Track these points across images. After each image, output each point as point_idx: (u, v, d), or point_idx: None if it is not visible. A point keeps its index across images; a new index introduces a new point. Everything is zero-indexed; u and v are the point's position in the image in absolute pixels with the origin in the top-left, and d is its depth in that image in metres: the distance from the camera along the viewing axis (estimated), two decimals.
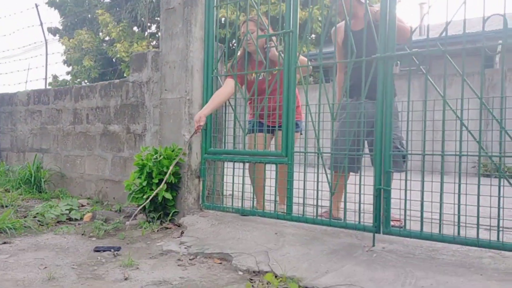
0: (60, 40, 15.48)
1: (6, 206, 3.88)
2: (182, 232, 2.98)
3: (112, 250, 2.69)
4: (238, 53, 3.32)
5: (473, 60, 5.17)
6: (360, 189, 2.52)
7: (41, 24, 9.05)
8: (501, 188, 2.09)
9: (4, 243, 2.84)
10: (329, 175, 2.67)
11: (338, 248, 2.41)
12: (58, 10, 16.64)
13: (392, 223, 2.48)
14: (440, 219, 2.25)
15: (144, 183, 3.19)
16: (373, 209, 2.47)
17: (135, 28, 14.85)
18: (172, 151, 3.24)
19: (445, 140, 2.25)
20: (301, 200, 2.77)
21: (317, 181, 2.67)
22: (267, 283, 2.07)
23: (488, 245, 2.12)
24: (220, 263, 2.46)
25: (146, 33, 14.82)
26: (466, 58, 2.20)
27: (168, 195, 3.15)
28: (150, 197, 3.08)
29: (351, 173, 2.83)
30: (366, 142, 2.90)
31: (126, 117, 4.12)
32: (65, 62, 16.16)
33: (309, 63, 3.04)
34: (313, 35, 12.71)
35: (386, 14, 2.44)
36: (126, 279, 2.18)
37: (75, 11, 16.06)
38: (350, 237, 2.56)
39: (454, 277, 1.95)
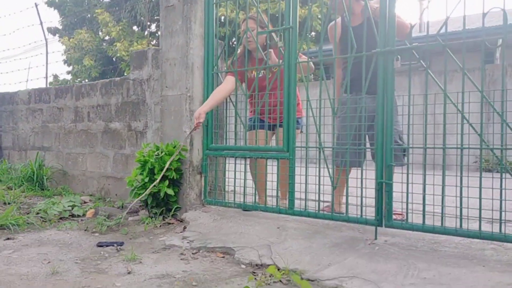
0: (60, 40, 15.50)
1: (9, 203, 3.89)
2: (185, 227, 2.99)
3: (115, 245, 2.70)
4: (238, 51, 3.33)
5: (474, 56, 5.18)
6: (362, 183, 2.52)
7: (41, 23, 9.06)
8: (503, 180, 2.10)
9: (8, 239, 2.85)
10: (330, 170, 2.68)
11: (341, 242, 2.42)
12: (58, 10, 16.67)
13: (394, 217, 2.49)
14: (442, 212, 2.26)
15: (146, 179, 3.20)
16: (375, 202, 2.48)
17: (134, 28, 14.87)
18: (174, 147, 3.25)
19: (446, 133, 2.26)
20: (302, 195, 2.78)
21: (319, 176, 2.68)
22: (269, 276, 2.08)
23: (490, 237, 2.13)
24: (223, 257, 2.47)
25: (146, 32, 14.84)
26: (466, 54, 2.20)
27: (170, 191, 3.16)
28: (148, 190, 3.11)
29: (352, 168, 2.84)
30: (367, 136, 2.92)
31: (127, 115, 4.13)
32: (65, 61, 16.18)
33: (309, 61, 3.04)
34: (313, 33, 12.71)
35: (386, 8, 2.44)
36: (129, 273, 2.19)
37: (74, 10, 16.07)
38: (352, 231, 2.57)
39: (456, 269, 1.96)
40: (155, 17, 14.47)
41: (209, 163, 3.33)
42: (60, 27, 16.67)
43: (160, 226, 3.14)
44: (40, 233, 3.04)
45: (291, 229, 2.67)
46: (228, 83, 3.17)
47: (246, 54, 3.14)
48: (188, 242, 2.71)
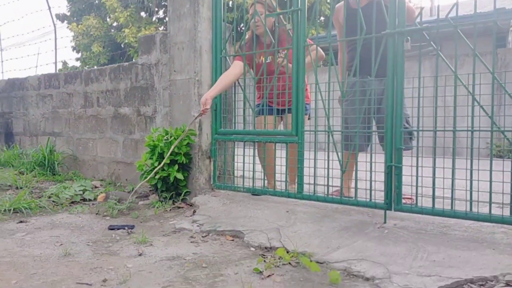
0: (68, 26, 15.49)
1: (21, 188, 3.95)
2: (194, 211, 3.01)
3: (126, 228, 2.73)
4: (246, 36, 3.30)
5: (485, 40, 5.08)
6: (371, 166, 2.52)
7: (49, 8, 9.03)
8: None
9: (21, 222, 2.90)
10: (339, 153, 2.67)
11: (350, 225, 2.43)
12: None
13: (403, 201, 2.49)
14: (452, 196, 2.24)
15: (156, 164, 3.22)
16: (384, 186, 2.47)
17: (142, 14, 14.80)
18: (183, 131, 3.26)
19: (457, 116, 2.23)
20: (311, 179, 2.78)
21: (328, 160, 2.67)
22: (279, 258, 2.09)
23: (501, 220, 2.11)
24: (232, 240, 2.49)
25: (153, 18, 14.77)
26: (477, 38, 2.16)
27: (179, 176, 3.18)
28: (154, 171, 3.15)
29: (360, 152, 2.82)
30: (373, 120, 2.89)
31: (136, 100, 4.14)
32: (74, 48, 16.19)
33: (318, 48, 2.99)
34: (322, 18, 12.56)
35: None
36: (140, 255, 2.22)
37: None
38: (361, 215, 2.57)
39: (466, 252, 1.96)
40: (163, 3, 14.38)
41: (218, 148, 3.33)
42: (68, 13, 16.64)
43: (170, 210, 3.17)
44: (52, 216, 3.08)
45: (300, 213, 2.68)
46: (235, 68, 3.15)
47: (254, 39, 3.12)
48: (198, 226, 2.74)
